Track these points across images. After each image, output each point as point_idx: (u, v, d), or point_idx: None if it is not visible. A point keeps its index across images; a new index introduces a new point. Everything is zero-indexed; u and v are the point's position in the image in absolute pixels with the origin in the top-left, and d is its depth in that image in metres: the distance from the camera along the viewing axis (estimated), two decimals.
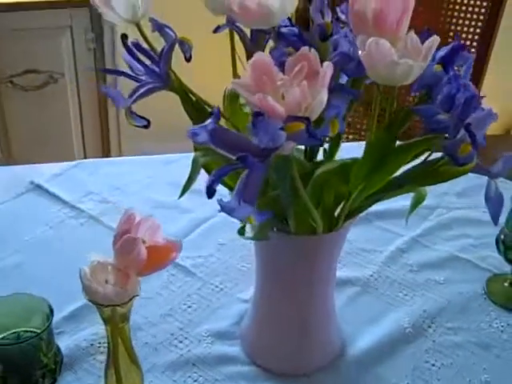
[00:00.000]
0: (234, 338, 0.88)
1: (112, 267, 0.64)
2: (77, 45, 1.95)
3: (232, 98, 0.74)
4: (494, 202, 0.63)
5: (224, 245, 1.04)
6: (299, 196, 0.66)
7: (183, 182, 1.15)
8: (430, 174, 0.66)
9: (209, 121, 0.58)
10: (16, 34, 1.85)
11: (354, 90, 0.65)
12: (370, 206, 0.73)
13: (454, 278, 0.99)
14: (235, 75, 0.77)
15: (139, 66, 0.71)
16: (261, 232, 0.72)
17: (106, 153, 2.14)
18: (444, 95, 0.68)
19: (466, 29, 1.66)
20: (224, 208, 0.57)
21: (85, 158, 2.08)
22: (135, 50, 0.72)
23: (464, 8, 1.64)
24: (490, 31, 1.60)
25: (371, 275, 0.98)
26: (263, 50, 0.76)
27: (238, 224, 1.05)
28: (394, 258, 1.02)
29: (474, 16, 1.62)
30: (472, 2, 1.62)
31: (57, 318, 0.85)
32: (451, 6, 1.61)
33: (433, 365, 0.85)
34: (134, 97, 0.70)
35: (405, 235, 1.06)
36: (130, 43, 0.71)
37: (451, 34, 1.69)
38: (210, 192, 0.56)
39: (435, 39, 0.64)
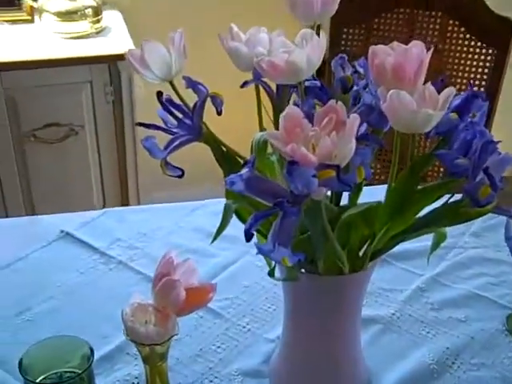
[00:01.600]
0: (263, 376, 0.91)
1: (152, 308, 0.67)
2: (96, 98, 2.02)
3: (260, 147, 0.79)
4: None
5: (249, 287, 1.08)
6: (328, 238, 0.70)
7: (207, 227, 1.20)
8: (453, 215, 0.70)
9: (245, 170, 0.62)
10: (38, 90, 1.92)
11: (378, 138, 0.69)
12: (394, 246, 0.77)
13: (474, 315, 1.02)
14: (261, 126, 0.82)
15: (173, 119, 0.76)
16: (291, 273, 0.75)
17: (125, 202, 2.19)
18: (461, 141, 0.72)
19: (472, 75, 1.72)
20: (261, 251, 0.61)
21: (104, 207, 2.13)
22: (168, 105, 0.77)
23: (470, 56, 1.70)
24: (496, 81, 1.65)
25: (393, 314, 1.01)
26: (288, 103, 0.81)
27: (261, 268, 1.11)
28: (415, 297, 1.05)
29: (480, 63, 1.68)
30: (478, 50, 1.68)
31: None
32: (458, 55, 1.67)
33: None
34: (170, 148, 0.75)
35: (423, 275, 1.09)
36: (164, 99, 0.77)
37: (458, 80, 1.75)
38: (249, 235, 0.60)
39: (451, 90, 0.69)
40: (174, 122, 0.77)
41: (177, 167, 0.76)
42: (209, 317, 1.01)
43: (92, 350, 0.74)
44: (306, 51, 0.68)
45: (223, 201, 1.29)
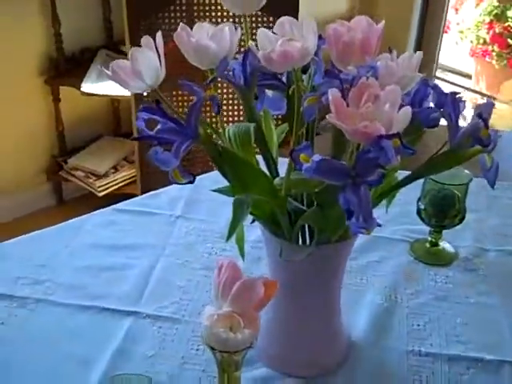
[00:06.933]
0: (254, 361, 0.92)
1: (236, 314, 0.66)
2: None
3: (244, 139, 0.80)
4: (493, 171, 0.79)
5: (184, 286, 1.06)
6: None
7: (104, 241, 1.15)
8: (449, 161, 0.80)
9: (315, 155, 0.65)
10: None
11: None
12: (380, 202, 0.85)
13: (385, 255, 1.14)
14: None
15: (172, 124, 0.73)
16: (306, 250, 0.79)
17: None
18: (419, 98, 0.82)
19: None
20: (355, 228, 0.65)
21: None
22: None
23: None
24: None
25: None
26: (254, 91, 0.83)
27: (183, 264, 1.09)
28: None
29: None
30: (271, 24, 1.80)
31: None
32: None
33: (418, 325, 1.00)
34: (180, 156, 0.72)
35: None
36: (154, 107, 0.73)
37: None
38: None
39: (420, 54, 0.79)
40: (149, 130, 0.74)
41: (189, 173, 0.74)
42: (167, 325, 0.98)
43: None
44: (312, 37, 0.71)
45: (103, 212, 1.24)
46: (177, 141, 0.73)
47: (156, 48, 0.73)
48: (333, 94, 0.66)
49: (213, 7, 1.69)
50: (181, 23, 0.80)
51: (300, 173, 0.79)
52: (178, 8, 1.66)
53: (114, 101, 2.67)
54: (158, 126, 0.75)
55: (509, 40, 3.23)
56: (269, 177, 0.80)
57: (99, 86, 2.36)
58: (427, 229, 1.16)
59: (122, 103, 2.67)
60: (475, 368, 0.93)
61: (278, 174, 0.84)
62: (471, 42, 3.36)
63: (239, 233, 0.88)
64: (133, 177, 2.53)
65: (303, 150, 0.66)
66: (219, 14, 1.72)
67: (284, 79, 0.84)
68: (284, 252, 0.81)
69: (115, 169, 2.55)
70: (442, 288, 1.07)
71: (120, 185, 2.54)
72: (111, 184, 2.53)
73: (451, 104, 0.79)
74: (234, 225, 0.76)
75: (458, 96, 0.80)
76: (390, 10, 2.67)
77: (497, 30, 3.25)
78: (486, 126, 0.75)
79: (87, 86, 2.35)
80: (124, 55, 2.53)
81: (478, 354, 0.95)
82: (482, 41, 3.30)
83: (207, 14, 1.69)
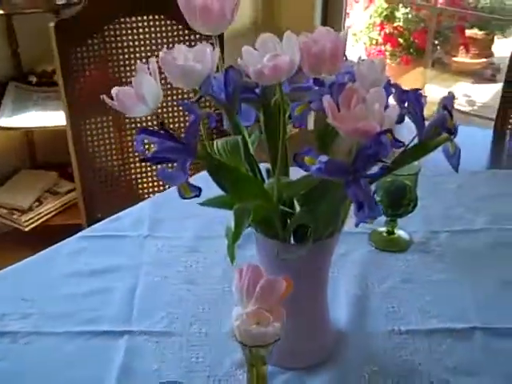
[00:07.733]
0: None
1: (263, 310, 0.71)
2: None
3: (234, 148, 0.86)
4: (456, 156, 0.88)
5: (170, 301, 1.10)
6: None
7: (80, 268, 1.16)
8: (420, 151, 0.88)
9: (321, 156, 0.71)
10: None
11: None
12: None
13: (349, 247, 1.22)
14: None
15: (173, 144, 0.77)
16: (302, 249, 0.85)
17: None
18: None
19: None
20: (361, 219, 0.72)
21: None
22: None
23: None
24: None
25: None
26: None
27: (164, 279, 1.13)
28: None
29: None
30: None
31: None
32: None
33: (393, 307, 1.09)
34: (187, 170, 0.77)
35: None
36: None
37: None
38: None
39: (382, 59, 0.87)
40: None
41: (196, 186, 0.78)
42: (163, 338, 1.02)
43: None
44: (296, 50, 0.78)
45: (69, 242, 1.25)
46: (180, 159, 0.78)
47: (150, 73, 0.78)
48: (327, 100, 0.73)
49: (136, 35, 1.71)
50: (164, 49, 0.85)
51: (285, 177, 0.88)
52: (105, 36, 1.68)
53: (27, 133, 2.63)
54: (155, 148, 0.80)
55: (399, 39, 3.43)
56: (262, 184, 0.86)
57: (15, 119, 2.33)
58: (382, 220, 1.25)
59: (35, 134, 2.64)
60: (451, 337, 1.03)
61: (264, 181, 0.90)
62: (365, 43, 3.55)
63: None
64: (58, 208, 2.51)
65: (307, 153, 0.73)
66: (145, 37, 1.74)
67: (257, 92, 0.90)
68: (280, 252, 0.87)
69: (39, 201, 2.52)
70: (406, 271, 1.17)
71: (46, 217, 2.51)
72: (37, 218, 2.49)
73: (415, 100, 0.88)
74: (238, 232, 0.82)
75: (419, 92, 0.89)
76: (291, 22, 2.78)
77: (387, 31, 3.45)
78: (451, 116, 0.85)
79: (3, 121, 2.32)
80: (33, 86, 2.53)
81: (450, 324, 1.05)
82: (374, 42, 3.50)
83: (130, 44, 1.72)
